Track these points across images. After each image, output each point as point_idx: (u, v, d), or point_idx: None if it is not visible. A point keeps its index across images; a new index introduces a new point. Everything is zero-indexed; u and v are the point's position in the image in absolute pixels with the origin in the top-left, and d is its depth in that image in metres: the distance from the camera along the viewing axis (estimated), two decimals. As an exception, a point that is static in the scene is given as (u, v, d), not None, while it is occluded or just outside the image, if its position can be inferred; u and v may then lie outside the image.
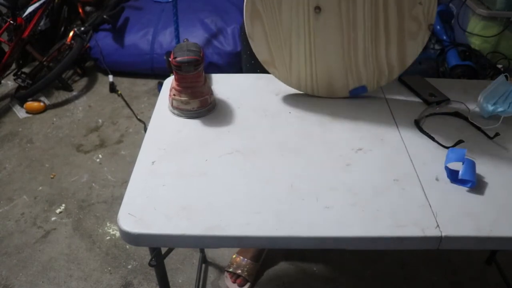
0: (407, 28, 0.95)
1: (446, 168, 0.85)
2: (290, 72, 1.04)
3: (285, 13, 0.95)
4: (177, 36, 2.36)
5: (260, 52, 1.02)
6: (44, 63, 2.50)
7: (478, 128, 0.99)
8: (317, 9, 0.93)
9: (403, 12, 0.93)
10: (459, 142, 0.92)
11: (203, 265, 1.56)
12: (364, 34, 0.96)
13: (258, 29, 0.98)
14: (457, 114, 1.03)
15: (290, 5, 0.94)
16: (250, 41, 1.00)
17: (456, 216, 0.77)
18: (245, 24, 0.97)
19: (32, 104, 2.42)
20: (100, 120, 2.37)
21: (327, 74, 1.03)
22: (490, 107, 1.01)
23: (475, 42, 2.30)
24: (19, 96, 2.44)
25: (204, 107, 1.01)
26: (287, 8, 0.94)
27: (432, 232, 0.74)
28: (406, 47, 0.97)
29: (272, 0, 0.93)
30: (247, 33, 0.99)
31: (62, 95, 2.59)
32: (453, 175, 0.84)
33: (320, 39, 0.98)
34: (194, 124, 0.99)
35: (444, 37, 2.44)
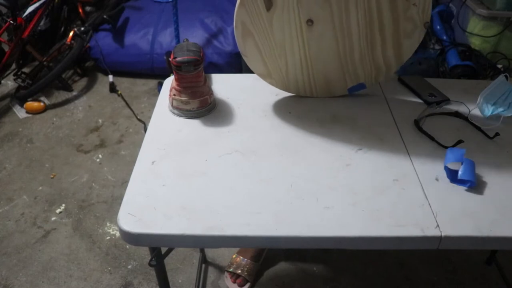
0: (403, 28, 0.94)
1: (446, 168, 0.85)
2: (287, 80, 1.04)
3: (277, 30, 0.93)
4: (177, 36, 2.36)
5: (255, 66, 1.01)
6: (44, 63, 2.50)
7: (478, 128, 0.99)
8: (310, 22, 0.92)
9: (398, 15, 0.92)
10: (459, 142, 0.92)
11: (203, 265, 1.56)
12: (359, 39, 0.95)
13: (251, 46, 0.96)
14: (457, 114, 1.03)
15: (282, 22, 0.92)
16: (243, 57, 0.99)
17: (456, 216, 0.77)
18: (237, 42, 0.96)
19: (32, 104, 2.42)
20: (100, 120, 2.37)
21: (324, 77, 1.03)
22: (490, 107, 1.01)
23: (475, 42, 2.30)
24: (19, 96, 2.44)
25: (204, 107, 1.01)
26: (279, 25, 0.93)
27: (432, 232, 0.74)
28: (402, 45, 0.97)
29: (263, 19, 0.92)
30: (240, 51, 0.97)
31: (62, 95, 2.59)
32: (452, 175, 0.84)
33: (315, 48, 0.97)
34: (194, 124, 0.99)
35: (444, 37, 2.44)
